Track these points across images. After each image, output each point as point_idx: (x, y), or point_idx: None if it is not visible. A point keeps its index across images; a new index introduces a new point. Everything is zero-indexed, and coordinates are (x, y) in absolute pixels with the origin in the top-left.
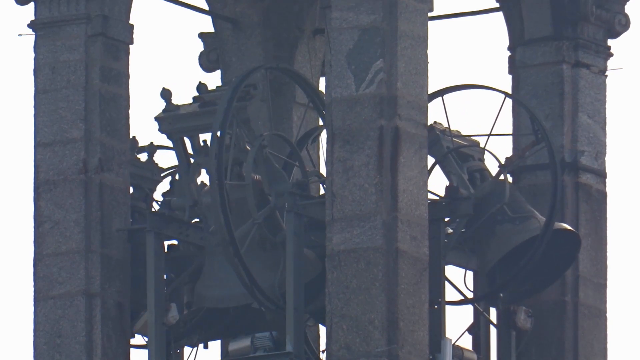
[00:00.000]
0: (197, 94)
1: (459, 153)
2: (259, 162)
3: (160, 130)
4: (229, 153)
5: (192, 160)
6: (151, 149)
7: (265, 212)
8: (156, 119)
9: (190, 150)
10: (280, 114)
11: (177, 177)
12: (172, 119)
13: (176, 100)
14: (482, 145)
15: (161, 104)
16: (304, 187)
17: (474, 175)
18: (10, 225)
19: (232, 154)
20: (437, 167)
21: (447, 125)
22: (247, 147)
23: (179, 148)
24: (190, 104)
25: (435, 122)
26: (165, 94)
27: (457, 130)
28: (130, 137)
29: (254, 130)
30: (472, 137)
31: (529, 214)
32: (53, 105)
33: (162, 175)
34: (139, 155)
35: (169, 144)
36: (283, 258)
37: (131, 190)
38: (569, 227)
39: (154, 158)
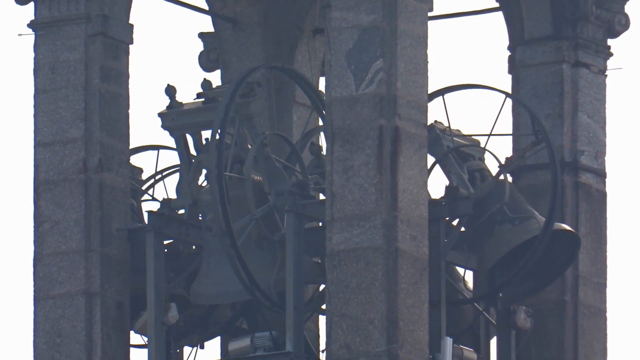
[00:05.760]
0: (200, 91)
1: (459, 152)
2: (260, 161)
3: (163, 126)
4: (230, 150)
5: (193, 160)
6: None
7: (264, 210)
8: (159, 114)
9: (192, 149)
10: (280, 113)
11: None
12: (175, 115)
13: (178, 99)
14: (482, 145)
15: (162, 103)
16: (304, 187)
17: (474, 174)
18: (10, 225)
19: (234, 151)
20: (437, 167)
21: (447, 125)
22: (249, 146)
23: (181, 146)
24: (194, 101)
25: (435, 121)
26: (170, 91)
27: (457, 130)
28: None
29: (256, 128)
30: (472, 137)
31: (528, 214)
32: (53, 105)
33: (163, 174)
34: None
35: (168, 143)
36: (280, 257)
37: None
38: (568, 227)
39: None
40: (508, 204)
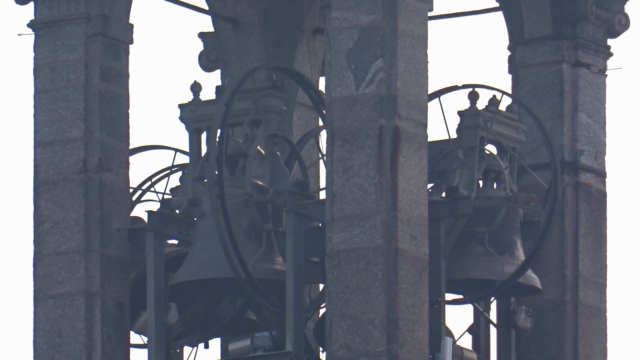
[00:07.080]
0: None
1: (495, 142)
2: (266, 157)
3: (181, 117)
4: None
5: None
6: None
7: (261, 198)
8: (180, 106)
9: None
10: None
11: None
12: (194, 106)
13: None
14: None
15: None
16: (304, 187)
17: (489, 175)
18: (10, 225)
19: (240, 145)
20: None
21: (498, 109)
22: (258, 148)
23: (194, 140)
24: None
25: (494, 97)
26: (195, 87)
27: (512, 106)
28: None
29: (270, 123)
30: (518, 123)
31: (503, 253)
32: (53, 104)
33: (162, 174)
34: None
35: (169, 143)
36: (265, 245)
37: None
38: (533, 282)
39: None
40: (493, 233)
